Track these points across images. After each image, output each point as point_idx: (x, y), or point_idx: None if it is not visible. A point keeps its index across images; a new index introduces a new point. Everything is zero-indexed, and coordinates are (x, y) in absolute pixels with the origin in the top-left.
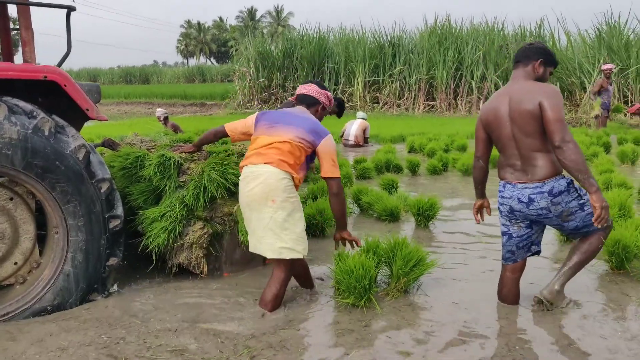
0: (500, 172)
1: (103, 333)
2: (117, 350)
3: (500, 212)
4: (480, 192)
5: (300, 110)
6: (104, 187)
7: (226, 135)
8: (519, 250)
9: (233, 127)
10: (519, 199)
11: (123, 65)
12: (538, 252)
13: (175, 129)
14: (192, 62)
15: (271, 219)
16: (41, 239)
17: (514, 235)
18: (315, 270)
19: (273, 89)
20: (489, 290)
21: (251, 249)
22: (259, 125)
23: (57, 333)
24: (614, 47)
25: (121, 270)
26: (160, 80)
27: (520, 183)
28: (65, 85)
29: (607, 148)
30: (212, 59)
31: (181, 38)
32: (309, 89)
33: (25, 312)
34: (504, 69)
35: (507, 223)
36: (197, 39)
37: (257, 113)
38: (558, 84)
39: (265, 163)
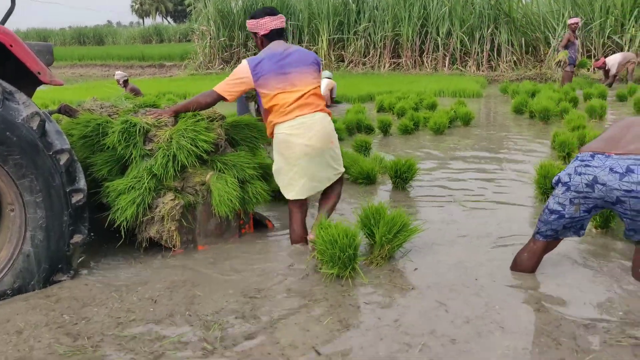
0: (591, 144)
1: (67, 312)
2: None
3: (567, 186)
4: None
5: (286, 45)
6: (63, 158)
7: (223, 99)
8: (564, 231)
9: (230, 89)
10: (611, 168)
11: (74, 25)
12: (581, 235)
13: (135, 92)
14: (148, 21)
15: (331, 157)
16: None
17: (567, 216)
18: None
19: (235, 48)
20: (476, 253)
21: (306, 195)
22: (265, 78)
23: (23, 312)
24: (579, 1)
25: (91, 247)
26: (116, 41)
27: (619, 154)
28: (11, 46)
29: (575, 104)
30: (169, 18)
31: None
32: (282, 19)
33: None
34: (469, 24)
35: (565, 202)
36: None
37: (246, 65)
38: (523, 39)
39: (314, 112)
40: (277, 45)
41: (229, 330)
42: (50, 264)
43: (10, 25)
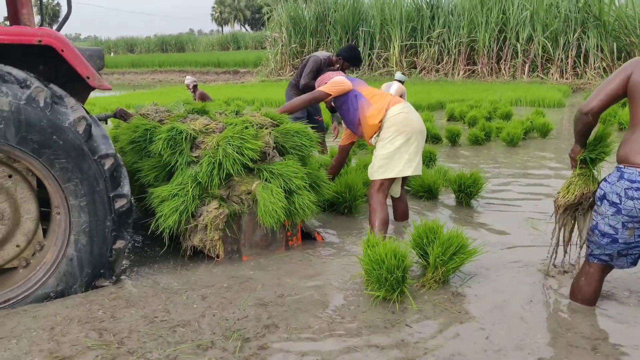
0: (632, 154)
1: (101, 310)
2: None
3: (618, 208)
4: (582, 143)
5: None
6: (108, 163)
7: (327, 95)
8: (620, 258)
9: (333, 89)
10: None
11: (159, 34)
12: (635, 265)
13: (204, 97)
14: (227, 29)
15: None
16: (47, 218)
17: (620, 240)
18: (342, 259)
19: (306, 55)
20: (548, 283)
21: (420, 171)
22: (355, 81)
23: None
24: None
25: (137, 251)
26: (195, 48)
27: None
28: (62, 51)
29: None
30: (246, 25)
31: (215, 5)
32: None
33: (28, 299)
34: (553, 29)
35: (617, 225)
36: (232, 5)
37: (341, 76)
38: (614, 44)
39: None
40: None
41: (252, 341)
42: (93, 268)
43: (103, 35)
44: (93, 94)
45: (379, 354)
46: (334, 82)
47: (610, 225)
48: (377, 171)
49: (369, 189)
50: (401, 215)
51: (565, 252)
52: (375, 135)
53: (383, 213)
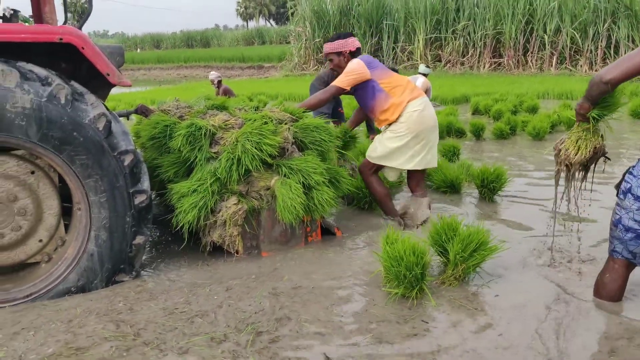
0: None
1: (121, 303)
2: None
3: None
4: (593, 102)
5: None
6: (128, 159)
7: (341, 91)
8: None
9: (348, 82)
10: None
11: (185, 29)
12: None
13: (227, 93)
14: (252, 24)
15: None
16: (69, 213)
17: None
18: (361, 255)
19: None
20: (568, 283)
21: (424, 166)
22: (376, 69)
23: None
24: None
25: (158, 246)
26: (220, 43)
27: None
28: (83, 48)
29: None
30: (271, 20)
31: (241, 1)
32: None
33: (50, 293)
34: (582, 20)
35: None
36: (257, 0)
37: (359, 61)
38: None
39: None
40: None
41: (264, 335)
42: (113, 264)
43: (129, 31)
44: (119, 90)
45: (390, 349)
46: (349, 72)
47: (636, 220)
48: (378, 157)
49: (361, 166)
50: (415, 185)
51: (575, 203)
52: (386, 125)
53: (378, 183)
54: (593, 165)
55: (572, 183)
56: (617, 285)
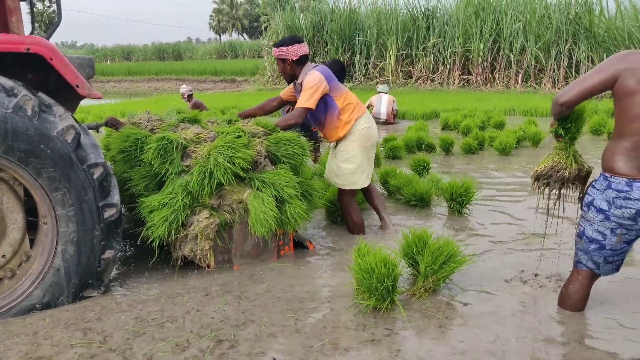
0: (618, 164)
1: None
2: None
3: (606, 215)
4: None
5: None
6: (97, 172)
7: (309, 110)
8: (606, 265)
9: (314, 99)
10: None
11: (157, 42)
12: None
13: (199, 106)
14: (225, 38)
15: None
16: (35, 227)
17: (607, 247)
18: (334, 268)
19: None
20: (534, 294)
21: (366, 184)
22: (332, 82)
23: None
24: None
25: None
26: (193, 56)
27: None
28: (51, 59)
29: None
30: (244, 34)
31: (213, 14)
32: (307, 46)
33: (13, 310)
34: (545, 40)
35: (606, 232)
36: (230, 14)
37: (318, 74)
38: (605, 55)
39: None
40: (317, 64)
41: (224, 342)
42: (81, 279)
43: (100, 42)
44: (88, 102)
45: (344, 354)
46: (310, 88)
47: (599, 232)
48: (344, 184)
49: (339, 197)
50: (374, 200)
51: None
52: (335, 142)
53: (356, 214)
54: (556, 188)
55: (537, 195)
56: (581, 295)
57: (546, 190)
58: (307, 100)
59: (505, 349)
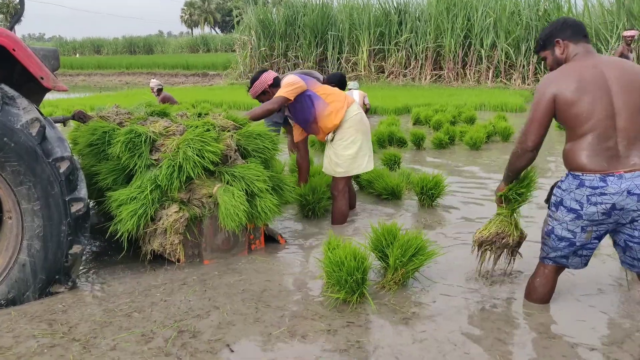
0: (586, 161)
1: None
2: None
3: (578, 214)
4: (511, 180)
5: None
6: (64, 166)
7: (287, 101)
8: (575, 258)
9: (292, 92)
10: (629, 191)
11: (127, 35)
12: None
13: (168, 100)
14: (197, 32)
15: None
16: None
17: (577, 243)
18: (304, 262)
19: (275, 58)
20: (502, 286)
21: (370, 168)
22: (310, 81)
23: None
24: (635, 12)
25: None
26: (164, 50)
27: (629, 171)
28: (14, 50)
29: None
30: (216, 28)
31: (185, 7)
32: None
33: None
34: (515, 36)
35: (577, 230)
36: (202, 8)
37: (294, 76)
38: None
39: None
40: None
41: (185, 333)
42: (47, 274)
43: (68, 35)
44: (56, 96)
45: (302, 342)
46: (289, 84)
47: (569, 230)
48: (347, 170)
49: (335, 184)
50: (352, 202)
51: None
52: (331, 134)
53: (345, 204)
54: (497, 252)
55: (479, 260)
56: (547, 289)
57: (487, 255)
58: (286, 91)
59: (467, 339)
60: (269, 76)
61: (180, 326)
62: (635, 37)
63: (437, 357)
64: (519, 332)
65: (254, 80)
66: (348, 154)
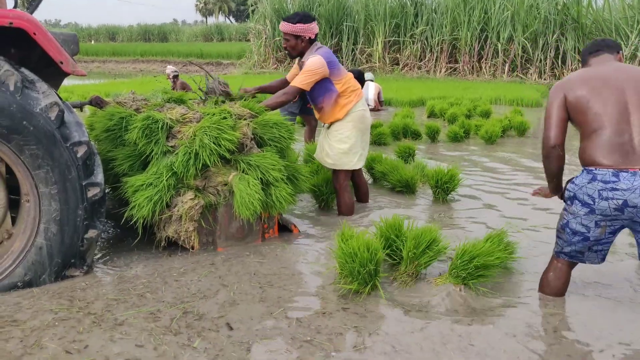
0: (600, 157)
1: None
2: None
3: (591, 209)
4: (556, 185)
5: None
6: (81, 151)
7: (302, 90)
8: (591, 254)
9: (307, 81)
10: None
11: (142, 23)
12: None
13: (185, 87)
14: (212, 20)
15: None
16: (17, 205)
17: (592, 238)
18: (314, 250)
19: None
20: (516, 280)
21: (364, 161)
22: (336, 67)
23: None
24: None
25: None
26: (178, 38)
27: None
28: (35, 34)
29: None
30: (230, 17)
31: None
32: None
33: None
34: (532, 30)
35: (590, 224)
36: None
37: (320, 58)
38: None
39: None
40: (320, 45)
41: (189, 315)
42: (63, 258)
43: (84, 21)
44: (72, 81)
45: (297, 324)
46: (309, 71)
47: (583, 224)
48: (336, 164)
49: (336, 177)
50: (363, 195)
51: None
52: (331, 123)
53: (348, 196)
54: None
55: None
56: (561, 282)
57: None
58: (302, 81)
59: (472, 331)
60: (315, 29)
61: (186, 307)
62: None
63: (437, 346)
64: (529, 329)
65: (300, 20)
66: (340, 147)
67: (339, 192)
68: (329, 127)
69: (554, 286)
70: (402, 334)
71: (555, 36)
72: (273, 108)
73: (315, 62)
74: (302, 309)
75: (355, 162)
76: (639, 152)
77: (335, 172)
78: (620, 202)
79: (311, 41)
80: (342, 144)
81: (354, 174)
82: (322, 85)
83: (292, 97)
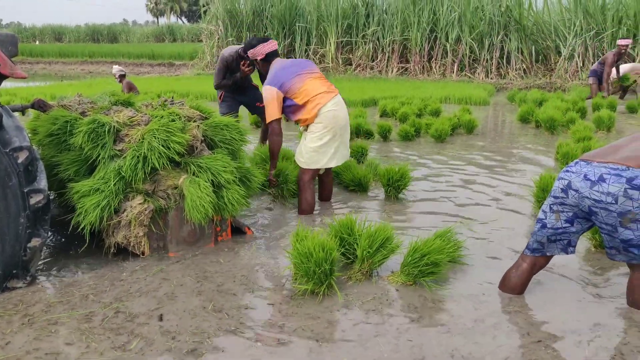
0: (589, 152)
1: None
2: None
3: (551, 193)
4: None
5: (287, 59)
6: (22, 156)
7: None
8: (550, 244)
9: (277, 110)
10: (585, 175)
11: (90, 23)
12: (569, 253)
13: (131, 88)
14: (163, 21)
15: (348, 135)
16: None
17: (548, 225)
18: (272, 253)
19: None
20: (469, 275)
21: (342, 161)
22: (287, 83)
23: None
24: (590, 10)
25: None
26: (129, 39)
27: (599, 162)
28: None
29: (583, 114)
30: (182, 17)
31: None
32: (274, 43)
33: None
34: (479, 31)
35: (547, 209)
36: None
37: (270, 87)
38: (533, 47)
39: (338, 94)
40: (280, 61)
41: (120, 315)
42: (4, 269)
43: (27, 21)
44: (14, 84)
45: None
46: (268, 103)
47: (543, 211)
48: (307, 162)
49: (301, 175)
50: (326, 194)
51: None
52: (305, 126)
53: (311, 195)
54: None
55: None
56: (521, 281)
57: None
58: (270, 113)
59: (426, 330)
60: (262, 50)
61: (119, 307)
62: (629, 46)
63: (390, 345)
64: (474, 323)
65: (250, 46)
66: (311, 146)
67: (302, 190)
68: (305, 129)
69: (514, 283)
70: (349, 330)
71: (499, 37)
72: (279, 147)
73: (267, 94)
74: (252, 309)
75: (325, 161)
76: (620, 153)
77: (301, 170)
78: (566, 182)
79: (267, 59)
80: (312, 143)
81: (324, 172)
82: (286, 104)
83: (278, 129)
